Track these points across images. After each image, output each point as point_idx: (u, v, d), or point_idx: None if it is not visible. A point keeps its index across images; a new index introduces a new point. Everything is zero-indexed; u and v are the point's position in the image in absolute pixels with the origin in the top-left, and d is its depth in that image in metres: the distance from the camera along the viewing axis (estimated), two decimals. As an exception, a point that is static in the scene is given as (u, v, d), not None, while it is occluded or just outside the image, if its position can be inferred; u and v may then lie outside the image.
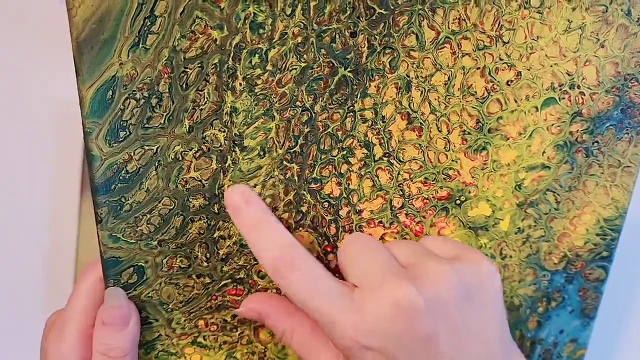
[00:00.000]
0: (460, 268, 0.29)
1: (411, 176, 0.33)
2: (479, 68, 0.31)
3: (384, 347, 0.27)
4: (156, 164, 0.30)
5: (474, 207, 0.34)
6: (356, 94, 0.31)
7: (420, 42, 0.31)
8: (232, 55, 0.29)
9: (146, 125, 0.29)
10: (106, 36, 0.28)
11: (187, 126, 0.30)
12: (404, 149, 0.32)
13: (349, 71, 0.30)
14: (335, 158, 0.32)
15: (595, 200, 0.35)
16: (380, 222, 0.33)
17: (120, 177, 0.30)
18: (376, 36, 0.30)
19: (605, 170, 0.34)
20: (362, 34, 0.30)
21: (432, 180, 0.33)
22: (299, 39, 0.29)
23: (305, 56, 0.30)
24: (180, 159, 0.30)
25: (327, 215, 0.33)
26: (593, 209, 0.35)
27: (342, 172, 0.32)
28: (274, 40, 0.29)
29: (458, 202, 0.34)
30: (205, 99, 0.29)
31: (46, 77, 0.41)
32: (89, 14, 0.27)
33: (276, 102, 0.30)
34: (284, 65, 0.30)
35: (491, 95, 0.32)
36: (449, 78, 0.31)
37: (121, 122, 0.29)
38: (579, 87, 0.33)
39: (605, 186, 0.35)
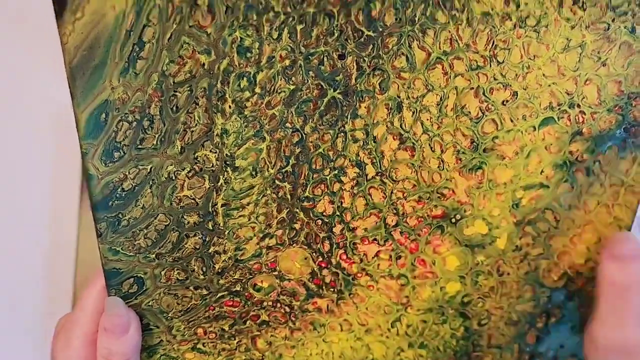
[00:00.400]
0: None
1: (405, 195, 0.33)
2: (472, 88, 0.31)
3: None
4: (150, 183, 0.31)
5: (469, 226, 0.34)
6: (346, 115, 0.31)
7: (411, 63, 0.30)
8: (220, 78, 0.29)
9: (139, 146, 0.30)
10: (97, 62, 0.28)
11: (179, 147, 0.31)
12: (397, 168, 0.32)
13: (339, 93, 0.31)
14: (327, 177, 0.32)
15: (596, 219, 0.34)
16: (375, 239, 0.33)
17: (117, 195, 0.31)
18: (365, 58, 0.30)
19: (607, 189, 0.34)
20: (350, 55, 0.30)
21: (427, 199, 0.33)
22: (287, 62, 0.30)
23: (293, 79, 0.30)
24: (174, 178, 0.31)
25: (320, 233, 0.33)
26: (594, 227, 0.34)
27: (334, 190, 0.32)
28: (262, 64, 0.29)
29: (453, 220, 0.33)
30: (196, 121, 0.30)
31: (46, 78, 0.41)
32: (79, 41, 0.28)
33: (266, 124, 0.31)
34: (272, 87, 0.30)
35: (486, 115, 0.32)
36: (441, 98, 0.31)
37: (115, 143, 0.30)
38: (579, 106, 0.32)
39: (608, 205, 0.34)
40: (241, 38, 0.29)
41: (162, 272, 0.33)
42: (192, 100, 0.30)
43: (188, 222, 0.32)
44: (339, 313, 0.35)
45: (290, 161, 0.31)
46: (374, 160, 0.32)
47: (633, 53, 0.31)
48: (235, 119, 0.30)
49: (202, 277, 0.33)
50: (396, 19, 0.29)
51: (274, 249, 0.33)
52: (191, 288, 0.34)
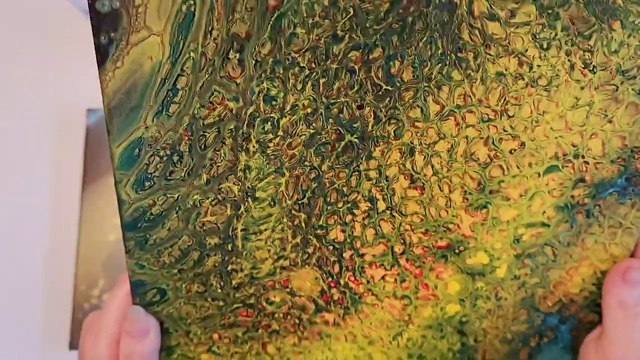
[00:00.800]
0: None
1: (412, 227, 0.35)
2: (482, 138, 0.33)
3: None
4: (177, 209, 0.34)
5: (472, 256, 0.36)
6: (361, 156, 0.33)
7: (425, 114, 0.32)
8: (246, 122, 0.31)
9: (168, 178, 0.33)
10: (133, 105, 0.30)
11: (205, 179, 0.33)
12: (407, 204, 0.34)
13: (355, 137, 0.32)
14: (341, 209, 0.34)
15: (593, 255, 0.36)
16: (382, 264, 0.36)
17: (146, 218, 0.34)
18: (382, 108, 0.32)
19: (606, 230, 0.36)
20: (368, 106, 0.32)
21: (433, 232, 0.35)
22: (309, 110, 0.31)
23: (314, 124, 0.32)
24: (198, 205, 0.34)
25: (331, 257, 0.36)
26: (590, 262, 0.37)
27: (346, 221, 0.35)
28: (286, 111, 0.31)
29: (457, 251, 0.36)
30: (222, 158, 0.32)
31: (47, 78, 0.41)
32: (118, 86, 0.30)
33: (286, 162, 0.33)
34: (294, 131, 0.32)
35: (493, 162, 0.33)
36: (452, 146, 0.33)
37: (146, 175, 0.32)
38: (583, 157, 0.33)
39: (605, 243, 0.36)
40: (267, 88, 0.31)
41: (183, 285, 0.36)
42: (219, 140, 0.32)
43: (209, 244, 0.35)
44: (344, 326, 0.38)
45: (307, 194, 0.34)
46: (385, 197, 0.34)
47: (639, 112, 0.32)
48: (258, 156, 0.32)
49: (219, 290, 0.36)
50: (414, 76, 0.31)
51: (287, 269, 0.36)
52: (209, 299, 0.36)
